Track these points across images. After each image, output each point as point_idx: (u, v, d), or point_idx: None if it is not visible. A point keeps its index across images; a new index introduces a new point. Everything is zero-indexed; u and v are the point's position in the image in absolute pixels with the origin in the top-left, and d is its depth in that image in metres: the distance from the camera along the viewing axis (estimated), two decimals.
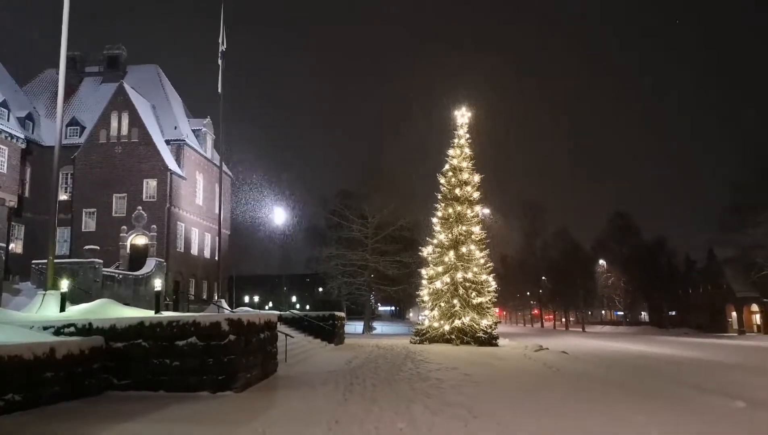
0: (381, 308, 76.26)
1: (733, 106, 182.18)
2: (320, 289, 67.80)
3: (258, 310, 30.27)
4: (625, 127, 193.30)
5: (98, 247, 27.51)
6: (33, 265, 23.31)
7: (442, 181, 29.37)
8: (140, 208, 35.40)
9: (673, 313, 70.15)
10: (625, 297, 70.65)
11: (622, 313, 79.70)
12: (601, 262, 73.73)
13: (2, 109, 32.05)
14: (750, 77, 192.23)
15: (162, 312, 17.71)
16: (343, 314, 28.86)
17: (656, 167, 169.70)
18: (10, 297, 19.60)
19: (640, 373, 15.83)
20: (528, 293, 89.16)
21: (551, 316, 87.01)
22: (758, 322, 54.15)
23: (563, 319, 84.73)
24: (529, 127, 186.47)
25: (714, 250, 58.56)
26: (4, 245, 20.32)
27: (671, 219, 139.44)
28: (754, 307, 54.69)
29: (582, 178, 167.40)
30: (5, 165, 31.55)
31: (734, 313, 57.28)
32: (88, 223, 35.70)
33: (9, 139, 31.83)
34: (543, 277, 78.97)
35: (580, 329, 69.76)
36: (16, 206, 32.58)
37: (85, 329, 11.38)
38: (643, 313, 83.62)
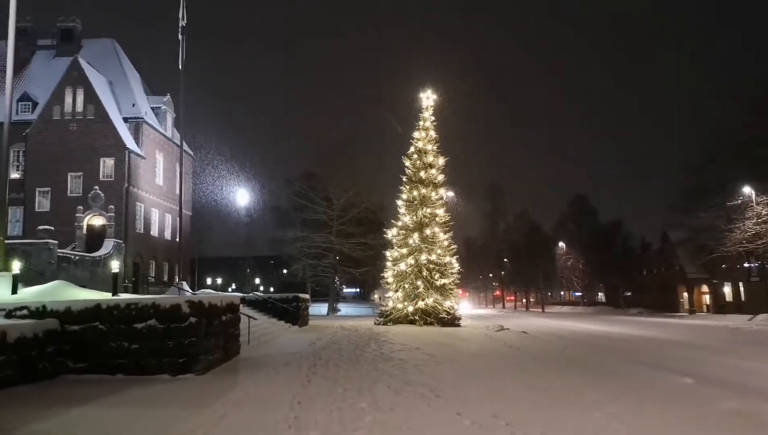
0: (346, 290, 76.45)
1: (694, 93, 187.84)
2: (284, 271, 67.43)
3: (220, 292, 29.92)
4: (588, 111, 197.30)
5: (53, 228, 26.53)
6: None
7: (407, 163, 29.40)
8: (97, 187, 34.29)
9: (629, 293, 72.64)
10: (583, 278, 72.81)
11: (580, 293, 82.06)
12: (561, 244, 75.53)
13: None
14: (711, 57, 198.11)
15: (120, 294, 17.33)
16: (307, 296, 28.81)
17: (617, 152, 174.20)
18: None
19: (596, 352, 16.37)
20: (490, 275, 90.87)
21: (513, 297, 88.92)
22: (708, 302, 56.58)
23: (524, 300, 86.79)
24: (491, 109, 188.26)
25: (668, 233, 60.67)
26: None
27: (628, 203, 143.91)
28: (705, 288, 57.06)
29: (543, 161, 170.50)
30: None
31: (686, 294, 59.67)
32: (42, 203, 34.42)
33: None
34: (505, 259, 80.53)
35: (540, 310, 71.61)
36: None
37: (39, 312, 11.05)
38: (600, 293, 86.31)
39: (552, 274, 78.46)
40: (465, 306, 63.43)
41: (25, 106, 36.34)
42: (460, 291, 34.93)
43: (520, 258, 75.84)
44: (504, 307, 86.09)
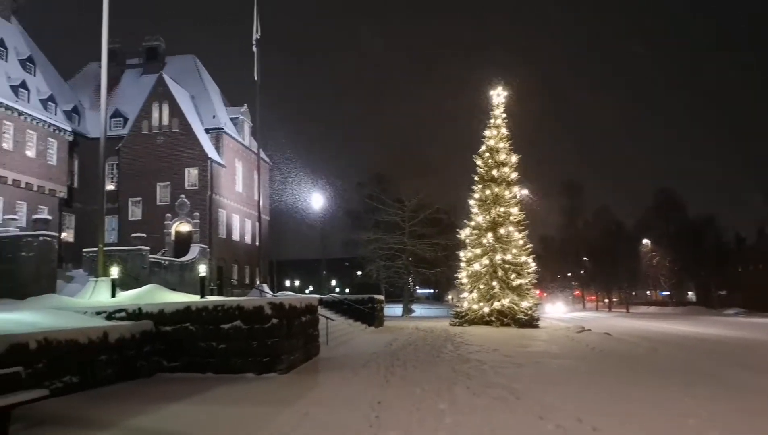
0: (419, 291, 76.42)
1: None
2: (359, 273, 68.36)
3: (299, 294, 30.81)
4: (674, 98, 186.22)
5: (145, 235, 28.33)
6: (84, 253, 24.28)
7: (479, 162, 29.07)
8: (183, 196, 36.32)
9: (723, 292, 67.87)
10: (670, 276, 68.70)
11: (667, 293, 77.61)
12: (645, 241, 71.76)
13: (50, 103, 33.22)
14: None
15: (207, 297, 18.22)
16: (381, 297, 29.06)
17: (706, 141, 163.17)
18: (64, 284, 20.50)
19: (689, 354, 15.44)
20: (569, 274, 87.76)
21: (593, 297, 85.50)
22: None
23: (606, 300, 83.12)
24: (567, 103, 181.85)
25: (766, 227, 56.20)
26: (56, 235, 21.21)
27: (720, 196, 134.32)
28: None
29: (624, 154, 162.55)
30: (54, 157, 32.79)
31: None
32: (135, 212, 36.87)
33: (57, 132, 33.03)
34: (584, 258, 77.48)
35: (624, 310, 68.34)
36: (66, 197, 33.91)
37: (136, 314, 11.81)
38: (689, 292, 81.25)
39: (636, 272, 74.63)
40: (558, 308, 60.73)
41: (117, 122, 39.05)
42: (537, 291, 34.06)
43: (600, 256, 72.68)
44: (584, 307, 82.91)
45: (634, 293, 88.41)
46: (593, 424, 7.02)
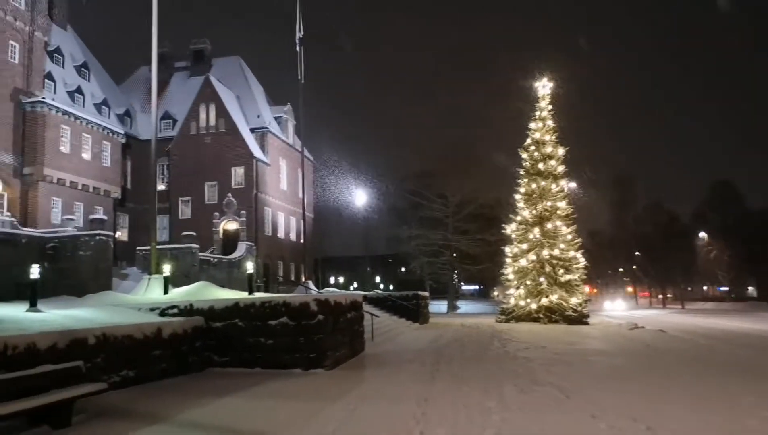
0: (464, 287, 75.89)
1: None
2: (402, 269, 68.40)
3: (344, 291, 31.08)
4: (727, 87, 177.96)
5: (194, 233, 29.14)
6: (138, 251, 25.18)
7: (524, 155, 28.55)
8: (230, 194, 37.20)
9: None
10: (728, 271, 65.68)
11: (725, 288, 74.29)
12: (702, 234, 68.91)
13: (104, 107, 34.58)
14: None
15: (254, 293, 18.58)
16: (426, 294, 28.97)
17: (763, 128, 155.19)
18: (119, 281, 21.29)
19: (751, 352, 14.71)
20: (620, 270, 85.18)
21: (647, 293, 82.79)
22: None
23: (660, 296, 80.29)
24: (615, 94, 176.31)
25: None
26: (112, 234, 22.08)
27: None
28: None
29: (677, 144, 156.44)
30: (109, 159, 34.13)
31: None
32: (184, 211, 38.03)
33: (111, 134, 34.35)
34: (636, 253, 75.01)
35: (679, 306, 65.81)
36: (120, 197, 35.26)
37: (187, 310, 12.15)
38: (750, 287, 77.55)
39: (692, 267, 71.73)
40: (618, 306, 58.24)
41: (167, 123, 40.31)
42: (587, 288, 33.20)
43: (654, 251, 70.19)
44: (637, 303, 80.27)
45: (689, 289, 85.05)
46: (648, 423, 6.77)
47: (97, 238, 19.28)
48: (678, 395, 8.66)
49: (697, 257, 69.90)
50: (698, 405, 7.94)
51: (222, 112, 38.07)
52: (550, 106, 28.77)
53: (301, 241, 41.14)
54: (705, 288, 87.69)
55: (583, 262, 26.97)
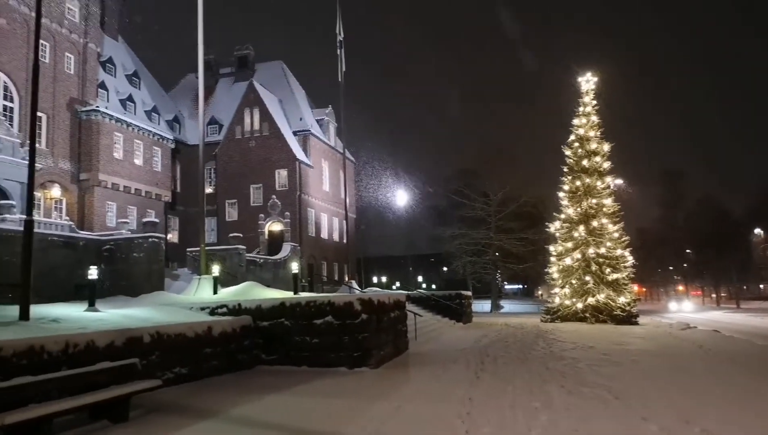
0: (508, 286, 74.95)
1: None
2: (445, 269, 68.06)
3: (387, 290, 31.21)
4: None
5: (241, 235, 29.85)
6: (188, 253, 26.00)
7: (568, 152, 28.00)
8: (274, 196, 37.93)
9: None
10: None
11: None
12: (757, 230, 65.85)
13: (154, 114, 35.85)
14: None
15: (300, 293, 18.92)
16: (469, 293, 28.79)
17: None
18: (171, 282, 22.03)
19: None
20: (671, 268, 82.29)
21: (699, 292, 79.74)
22: None
23: (713, 295, 77.16)
24: (665, 86, 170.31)
25: None
26: (163, 236, 22.86)
27: None
28: None
29: (729, 137, 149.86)
30: (159, 164, 35.34)
31: None
32: (231, 213, 39.01)
33: (161, 140, 35.57)
34: (687, 250, 72.36)
35: (734, 305, 63.09)
36: (170, 201, 36.47)
37: (236, 310, 12.51)
38: None
39: (747, 264, 68.65)
40: (686, 307, 54.50)
41: (213, 128, 41.41)
42: (635, 287, 32.26)
43: (706, 248, 67.50)
44: (703, 304, 77.17)
45: (745, 287, 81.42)
46: (702, 426, 6.59)
47: (150, 240, 20.00)
48: (734, 397, 8.37)
49: (752, 254, 66.88)
50: (756, 408, 7.66)
51: (265, 116, 38.87)
52: (595, 102, 28.14)
53: (344, 241, 41.56)
54: (762, 286, 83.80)
55: (631, 260, 26.25)
